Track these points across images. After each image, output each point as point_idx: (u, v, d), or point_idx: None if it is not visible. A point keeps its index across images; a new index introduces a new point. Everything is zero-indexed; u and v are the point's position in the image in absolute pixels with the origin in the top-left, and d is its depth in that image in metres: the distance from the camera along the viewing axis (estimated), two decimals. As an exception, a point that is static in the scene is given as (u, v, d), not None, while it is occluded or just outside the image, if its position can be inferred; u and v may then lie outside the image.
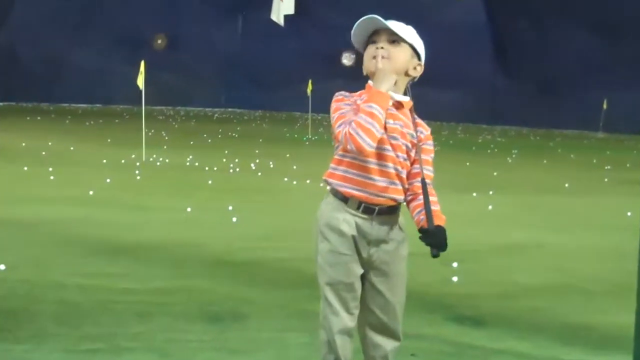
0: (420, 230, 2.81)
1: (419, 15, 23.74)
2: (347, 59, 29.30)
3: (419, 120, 2.96)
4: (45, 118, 21.36)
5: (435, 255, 2.76)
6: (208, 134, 18.08)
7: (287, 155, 13.90)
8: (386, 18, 2.87)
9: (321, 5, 28.10)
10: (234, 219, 7.46)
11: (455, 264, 5.86)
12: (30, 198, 8.23)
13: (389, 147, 2.84)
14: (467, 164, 13.84)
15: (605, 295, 5.47)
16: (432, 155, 3.00)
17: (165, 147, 14.35)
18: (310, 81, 18.59)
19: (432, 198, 2.86)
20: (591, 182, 12.52)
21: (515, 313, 4.87)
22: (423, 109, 3.04)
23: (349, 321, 2.94)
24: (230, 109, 30.30)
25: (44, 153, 12.44)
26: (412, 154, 2.91)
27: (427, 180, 2.88)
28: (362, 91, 2.94)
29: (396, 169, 2.87)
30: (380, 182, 2.85)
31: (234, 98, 30.39)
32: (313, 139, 18.46)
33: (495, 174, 12.82)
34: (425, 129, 2.97)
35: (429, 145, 2.97)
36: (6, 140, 14.09)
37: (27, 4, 27.58)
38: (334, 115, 2.87)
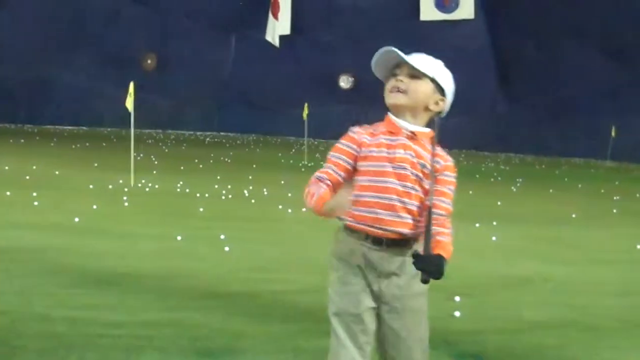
0: (414, 254, 2.77)
1: (419, 38, 23.69)
2: (344, 82, 29.21)
3: (438, 151, 2.91)
4: (29, 140, 20.99)
5: (424, 281, 2.72)
6: (199, 158, 17.93)
7: (282, 182, 13.70)
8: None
9: (318, 25, 28.06)
10: (226, 249, 7.30)
11: (457, 298, 5.72)
12: (13, 224, 8.01)
13: (393, 179, 2.82)
14: (470, 192, 13.63)
15: (614, 332, 5.34)
16: (451, 187, 2.93)
17: (154, 172, 14.12)
18: (306, 105, 18.48)
19: (445, 230, 2.82)
20: (599, 213, 12.36)
21: (520, 350, 4.75)
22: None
23: (358, 356, 2.86)
24: (222, 133, 30.17)
25: (27, 177, 12.20)
26: (426, 185, 2.86)
27: (443, 213, 2.83)
28: (379, 123, 2.95)
29: (402, 202, 2.83)
30: (382, 214, 2.82)
31: (227, 121, 30.22)
32: (309, 165, 18.30)
33: (499, 203, 12.69)
34: (443, 160, 2.92)
35: (446, 176, 2.91)
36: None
37: (11, 21, 27.36)
38: (328, 155, 2.94)
